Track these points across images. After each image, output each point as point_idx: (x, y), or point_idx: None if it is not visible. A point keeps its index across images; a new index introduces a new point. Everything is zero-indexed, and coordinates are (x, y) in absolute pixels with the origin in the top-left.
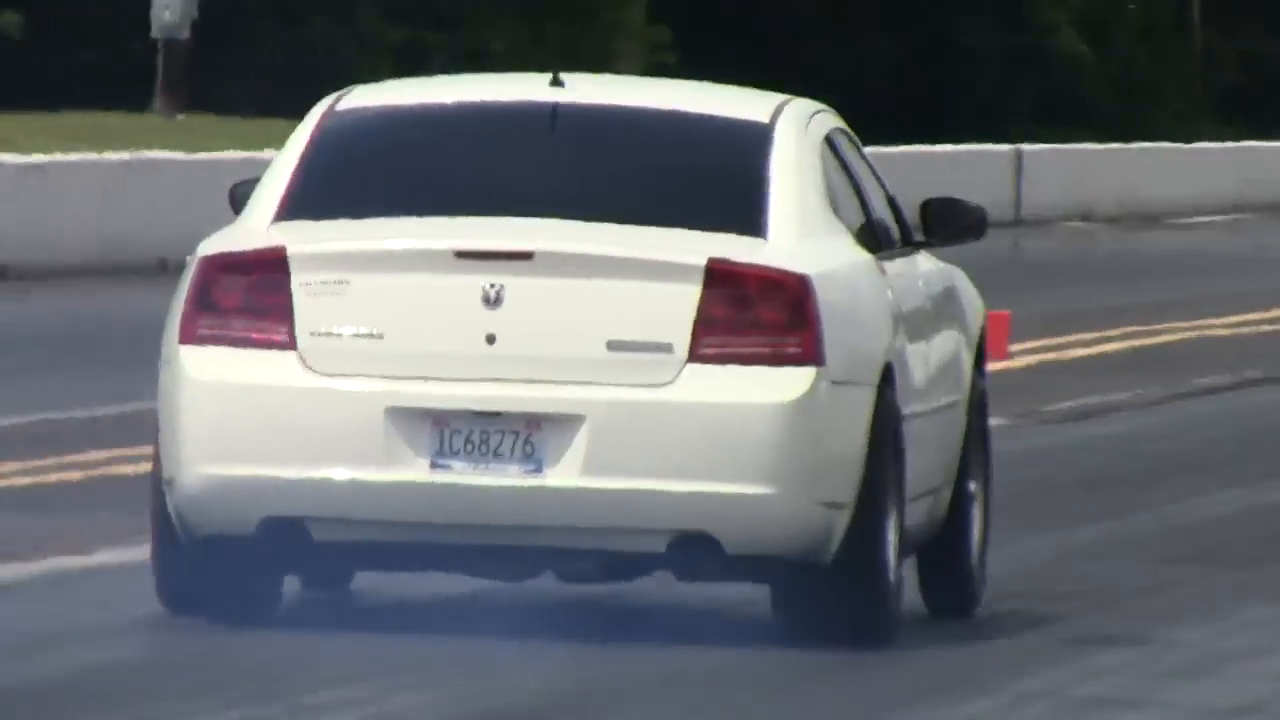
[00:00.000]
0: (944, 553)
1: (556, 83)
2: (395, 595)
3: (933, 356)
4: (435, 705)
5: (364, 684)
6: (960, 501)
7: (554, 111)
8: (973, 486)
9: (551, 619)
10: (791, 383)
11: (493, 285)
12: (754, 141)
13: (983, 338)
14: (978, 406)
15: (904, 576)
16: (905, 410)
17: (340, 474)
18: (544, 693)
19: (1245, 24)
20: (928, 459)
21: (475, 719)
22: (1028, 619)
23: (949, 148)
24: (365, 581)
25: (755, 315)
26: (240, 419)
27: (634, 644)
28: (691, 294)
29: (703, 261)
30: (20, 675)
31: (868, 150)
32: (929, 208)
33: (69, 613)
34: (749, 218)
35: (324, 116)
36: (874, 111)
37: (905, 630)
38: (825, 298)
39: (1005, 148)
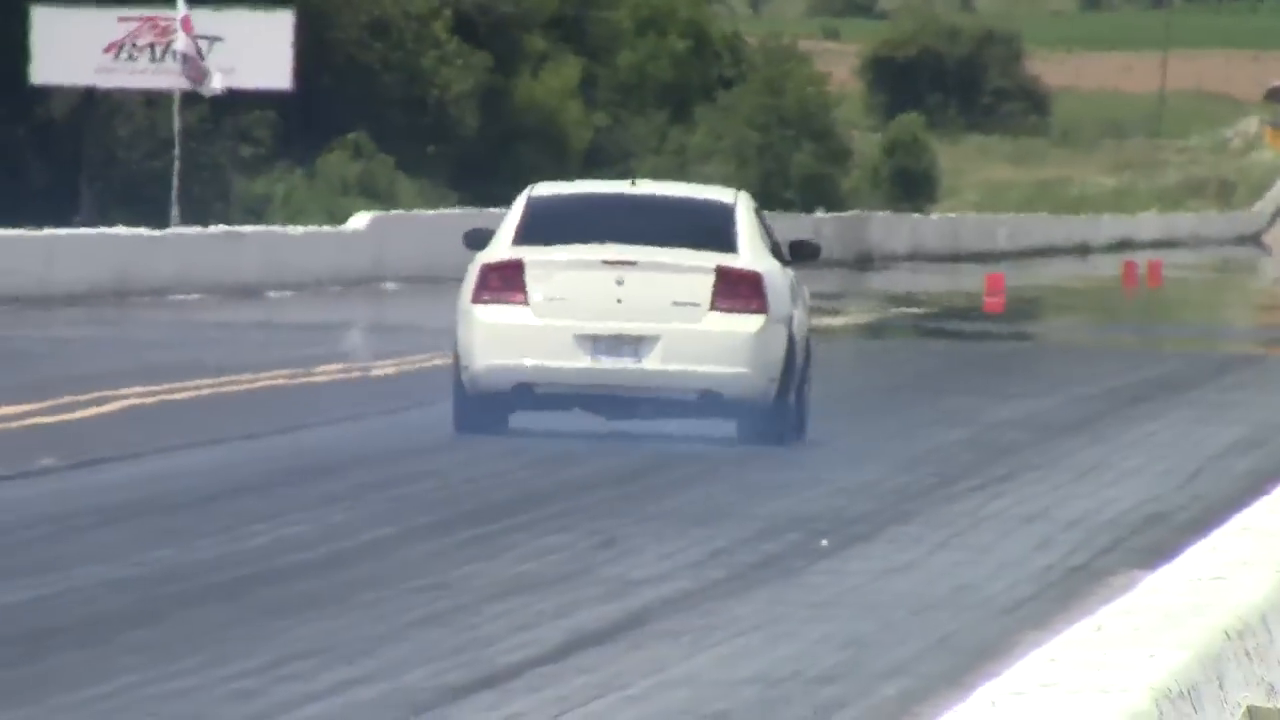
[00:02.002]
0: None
1: (634, 184)
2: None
3: (800, 315)
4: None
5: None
6: (803, 384)
7: (634, 197)
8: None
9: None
10: (755, 322)
11: (619, 277)
12: (727, 210)
13: (806, 311)
14: (806, 342)
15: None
16: (795, 338)
17: (550, 363)
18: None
19: None
20: (800, 361)
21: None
22: None
23: None
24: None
25: (737, 290)
26: (503, 338)
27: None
28: (709, 280)
29: (714, 265)
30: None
31: None
32: (794, 243)
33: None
34: (730, 246)
35: (529, 198)
36: None
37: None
38: (768, 283)
39: None
